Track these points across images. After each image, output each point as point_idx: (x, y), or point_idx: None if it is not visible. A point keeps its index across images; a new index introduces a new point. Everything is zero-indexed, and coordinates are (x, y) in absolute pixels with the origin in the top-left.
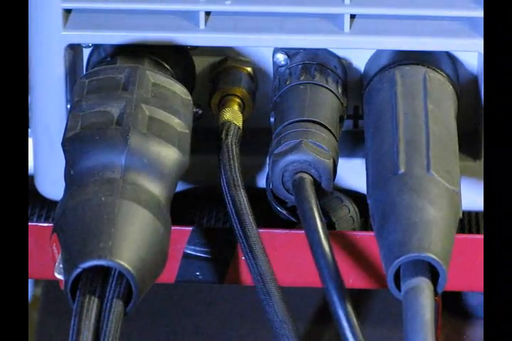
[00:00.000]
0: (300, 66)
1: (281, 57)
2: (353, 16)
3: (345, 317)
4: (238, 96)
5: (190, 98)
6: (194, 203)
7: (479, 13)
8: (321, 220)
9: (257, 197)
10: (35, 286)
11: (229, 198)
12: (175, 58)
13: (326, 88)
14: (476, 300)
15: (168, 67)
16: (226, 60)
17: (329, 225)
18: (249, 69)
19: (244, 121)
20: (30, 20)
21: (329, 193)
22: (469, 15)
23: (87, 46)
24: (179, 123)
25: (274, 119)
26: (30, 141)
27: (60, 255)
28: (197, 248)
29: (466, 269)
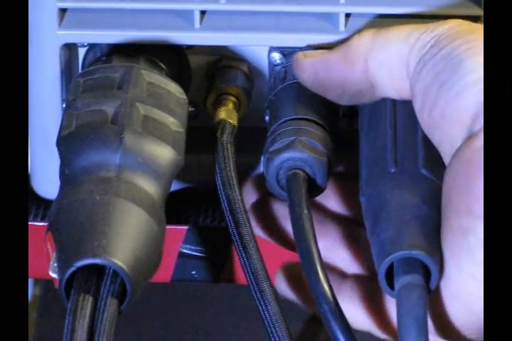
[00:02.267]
0: None
1: (276, 56)
2: (348, 15)
3: (329, 311)
4: (234, 95)
5: (185, 97)
6: (189, 202)
7: (479, 12)
8: (309, 213)
9: None
10: (35, 286)
11: (224, 197)
12: (170, 57)
13: None
14: None
15: (163, 66)
16: (221, 59)
17: None
18: (244, 68)
19: (239, 120)
20: None
21: (324, 191)
22: (468, 14)
23: (83, 45)
24: (174, 122)
25: (269, 118)
26: None
27: (54, 254)
28: (193, 247)
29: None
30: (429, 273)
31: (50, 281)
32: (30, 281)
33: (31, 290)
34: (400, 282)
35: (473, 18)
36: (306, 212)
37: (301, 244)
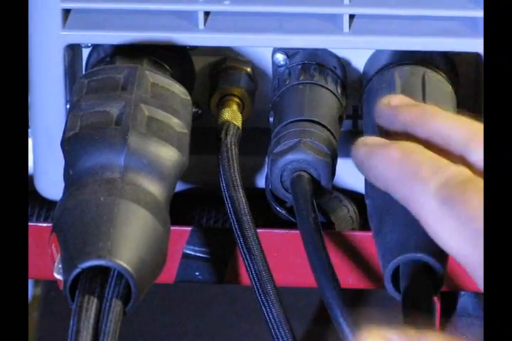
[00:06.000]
0: (299, 66)
1: (280, 57)
2: (352, 16)
3: (340, 314)
4: (237, 96)
5: (189, 98)
6: (193, 203)
7: (479, 13)
8: (316, 216)
9: (256, 197)
10: (35, 286)
11: (228, 198)
12: (174, 58)
13: (325, 88)
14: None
15: (167, 67)
16: (225, 60)
17: (328, 225)
18: (248, 69)
19: (243, 121)
20: (30, 20)
21: (328, 192)
22: (469, 15)
23: (86, 46)
24: (178, 123)
25: (273, 119)
26: (29, 141)
27: (59, 255)
28: (196, 248)
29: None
30: (435, 276)
31: (51, 281)
32: (30, 281)
33: (31, 290)
34: (405, 284)
35: (473, 19)
36: (313, 215)
37: (309, 247)
